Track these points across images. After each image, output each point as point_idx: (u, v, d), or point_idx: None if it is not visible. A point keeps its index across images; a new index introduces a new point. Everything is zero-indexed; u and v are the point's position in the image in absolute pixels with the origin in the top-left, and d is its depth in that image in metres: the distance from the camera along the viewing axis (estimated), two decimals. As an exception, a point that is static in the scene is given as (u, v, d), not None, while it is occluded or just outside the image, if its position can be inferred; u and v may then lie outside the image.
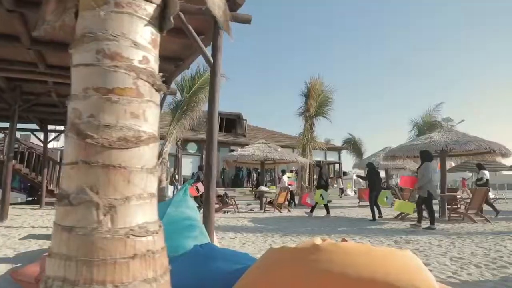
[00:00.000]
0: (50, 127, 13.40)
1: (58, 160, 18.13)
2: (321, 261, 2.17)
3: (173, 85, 10.44)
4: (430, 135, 9.90)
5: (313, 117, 17.00)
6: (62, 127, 13.67)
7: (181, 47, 6.07)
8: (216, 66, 4.44)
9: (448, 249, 5.29)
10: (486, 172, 11.46)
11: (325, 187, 11.26)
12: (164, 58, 6.74)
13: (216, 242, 4.76)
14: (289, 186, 13.94)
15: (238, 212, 12.26)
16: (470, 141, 8.97)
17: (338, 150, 29.62)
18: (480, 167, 11.65)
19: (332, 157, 29.12)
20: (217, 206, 12.66)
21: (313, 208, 11.31)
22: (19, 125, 13.20)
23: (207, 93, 15.52)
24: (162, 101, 7.72)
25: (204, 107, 15.90)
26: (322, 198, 10.89)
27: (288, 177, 14.57)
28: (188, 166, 26.12)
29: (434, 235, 6.72)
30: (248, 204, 15.24)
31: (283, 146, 24.67)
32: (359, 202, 15.54)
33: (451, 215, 9.49)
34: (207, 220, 4.17)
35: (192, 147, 26.31)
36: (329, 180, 13.07)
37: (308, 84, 17.34)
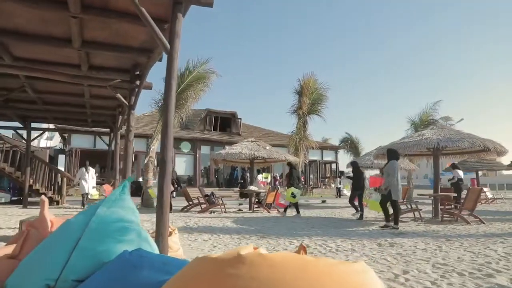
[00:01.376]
0: (34, 125, 12.99)
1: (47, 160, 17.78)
2: (242, 276, 1.75)
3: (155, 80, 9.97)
4: (422, 132, 9.46)
5: (306, 115, 16.58)
6: (45, 125, 13.26)
7: (149, 37, 5.65)
8: (174, 53, 4.02)
9: (433, 253, 4.87)
10: (460, 172, 12.06)
11: (297, 186, 11.11)
12: (135, 50, 6.39)
13: (173, 247, 4.35)
14: (262, 186, 13.60)
15: (225, 212, 11.84)
16: (463, 138, 8.53)
17: (335, 149, 29.20)
18: (454, 166, 12.12)
19: (329, 156, 28.71)
20: (204, 206, 12.31)
21: (286, 208, 11.30)
22: (2, 123, 12.92)
23: (196, 90, 15.17)
24: (136, 97, 7.31)
25: (193, 104, 15.50)
26: (294, 197, 10.69)
27: (265, 178, 14.27)
28: (181, 165, 25.75)
29: (422, 237, 6.30)
30: (240, 204, 14.82)
31: (278, 145, 24.34)
32: (353, 202, 15.10)
33: (444, 215, 9.07)
34: (160, 223, 3.76)
35: (185, 146, 25.93)
36: (301, 178, 12.98)
37: (301, 81, 16.91)
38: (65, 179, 13.98)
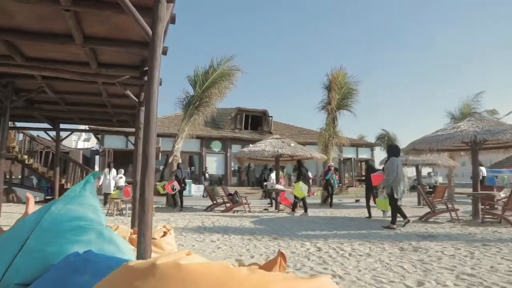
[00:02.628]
0: (64, 126, 13.33)
1: (81, 160, 18.36)
2: None
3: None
4: (458, 124, 8.56)
5: (336, 111, 15.85)
6: (73, 126, 13.57)
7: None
8: (156, 39, 3.70)
9: (462, 261, 4.22)
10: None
11: (304, 181, 10.79)
12: (137, 44, 6.18)
13: (166, 248, 4.05)
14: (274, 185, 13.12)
15: (249, 211, 11.49)
16: (506, 130, 7.59)
17: (370, 146, 27.99)
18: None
19: (364, 153, 27.56)
20: (228, 205, 12.04)
21: (294, 206, 10.98)
22: (35, 125, 13.38)
23: (220, 87, 14.95)
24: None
25: (217, 102, 15.27)
26: (302, 191, 10.40)
27: (281, 176, 13.78)
28: (212, 164, 25.74)
29: (453, 241, 5.59)
30: (268, 204, 14.43)
31: (311, 143, 23.72)
32: (385, 202, 14.22)
33: (485, 216, 8.16)
34: (141, 222, 3.45)
35: (216, 145, 25.90)
36: (309, 174, 12.64)
37: (330, 76, 16.20)
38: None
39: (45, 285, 2.18)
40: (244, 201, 11.94)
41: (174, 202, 12.81)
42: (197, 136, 25.20)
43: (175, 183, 11.99)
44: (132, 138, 14.95)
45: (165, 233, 4.33)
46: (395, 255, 4.56)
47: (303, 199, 10.82)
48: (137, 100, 7.17)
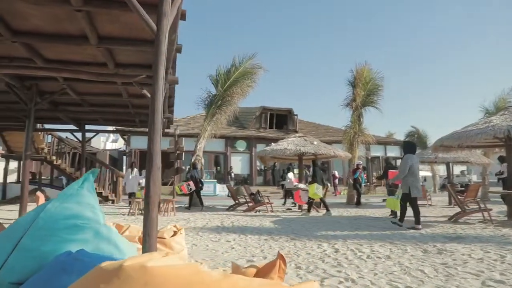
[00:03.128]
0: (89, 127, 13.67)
1: (108, 161, 18.80)
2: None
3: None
4: (490, 119, 8.02)
5: (361, 108, 15.39)
6: (98, 127, 13.89)
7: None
8: (161, 35, 3.62)
9: (491, 265, 3.89)
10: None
11: (320, 182, 10.55)
12: (150, 42, 6.16)
13: (176, 248, 3.96)
14: (297, 184, 12.82)
15: (271, 211, 11.33)
16: (544, 124, 7.03)
17: (399, 144, 27.09)
18: (502, 160, 10.73)
19: (392, 152, 26.72)
20: (250, 205, 11.93)
21: (310, 206, 10.71)
22: (62, 126, 13.80)
23: (242, 86, 14.85)
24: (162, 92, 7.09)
25: (240, 101, 15.19)
26: (317, 193, 10.20)
27: (297, 174, 13.50)
28: (237, 164, 25.75)
29: (483, 244, 5.21)
30: (292, 204, 14.21)
31: (337, 142, 23.23)
32: (414, 201, 13.65)
33: (522, 217, 7.62)
34: (147, 222, 3.37)
35: (241, 145, 25.90)
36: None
37: (354, 71, 15.75)
38: (120, 179, 14.54)
39: (35, 285, 2.12)
40: (266, 200, 11.80)
41: (190, 203, 12.90)
42: (222, 136, 25.36)
43: (191, 183, 12.06)
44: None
45: (175, 233, 4.25)
46: (416, 258, 4.28)
47: (322, 200, 10.64)
48: (154, 99, 7.15)
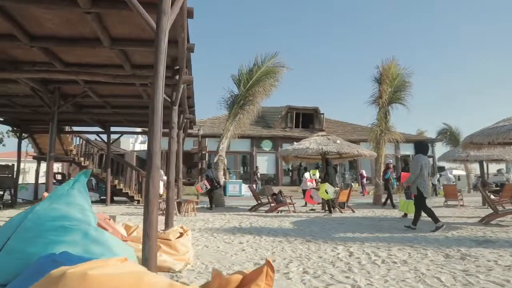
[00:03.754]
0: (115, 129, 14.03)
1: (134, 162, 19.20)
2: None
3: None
4: (524, 114, 7.48)
5: (387, 105, 14.86)
6: (123, 128, 14.20)
7: (171, 26, 5.31)
8: (160, 32, 3.56)
9: (518, 273, 3.55)
10: None
11: (331, 183, 10.41)
12: (168, 42, 6.15)
13: (181, 250, 3.89)
14: (310, 184, 12.51)
15: (294, 212, 11.13)
16: None
17: (430, 142, 26.04)
18: None
19: (423, 150, 25.69)
20: (273, 205, 11.77)
21: (329, 206, 10.55)
22: (88, 128, 14.22)
23: (265, 85, 14.74)
24: (178, 93, 7.10)
25: (263, 100, 15.08)
26: (327, 193, 9.96)
27: (313, 175, 13.12)
28: (263, 164, 25.62)
29: (513, 249, 4.82)
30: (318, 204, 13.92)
31: (365, 141, 22.59)
32: (445, 202, 13.02)
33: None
34: (146, 223, 3.31)
35: (266, 145, 25.75)
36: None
37: (380, 67, 15.24)
38: (145, 179, 14.76)
39: (15, 287, 2.09)
40: (289, 201, 11.61)
41: (210, 203, 12.96)
42: (247, 136, 25.37)
43: (206, 182, 12.10)
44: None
45: (181, 234, 4.18)
46: (436, 264, 3.99)
47: (331, 200, 10.48)
48: (169, 99, 7.17)
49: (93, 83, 8.32)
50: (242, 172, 26.17)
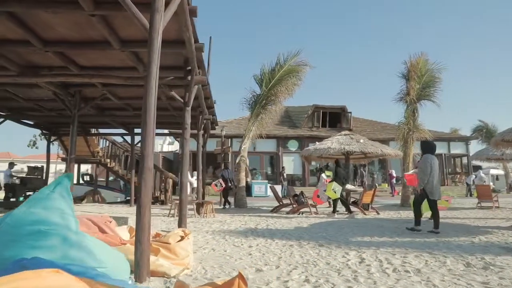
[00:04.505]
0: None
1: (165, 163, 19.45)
2: None
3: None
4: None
5: (416, 102, 14.21)
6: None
7: (178, 26, 5.24)
8: (153, 32, 3.48)
9: (545, 286, 3.17)
10: None
11: (340, 183, 10.12)
12: (172, 43, 6.10)
13: (180, 254, 3.78)
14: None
15: (316, 213, 10.85)
16: None
17: (465, 140, 24.77)
18: None
19: (457, 148, 24.53)
20: (294, 206, 11.53)
21: (335, 206, 10.41)
22: (114, 130, 14.54)
23: (287, 84, 14.48)
24: (190, 93, 7.04)
25: (285, 99, 14.82)
26: (335, 192, 9.77)
27: (327, 176, 12.72)
28: (290, 164, 25.33)
29: (546, 258, 4.36)
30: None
31: (394, 139, 21.84)
32: (479, 203, 12.27)
33: None
34: (138, 226, 3.24)
35: (292, 145, 25.45)
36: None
37: (408, 63, 14.60)
38: (170, 180, 14.94)
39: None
40: (310, 202, 11.33)
41: (228, 202, 13.20)
42: (273, 136, 25.19)
43: (221, 181, 12.30)
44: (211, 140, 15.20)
45: (182, 238, 4.08)
46: (453, 274, 3.65)
47: (334, 200, 10.37)
48: (182, 100, 7.13)
49: (111, 86, 8.45)
50: (270, 172, 25.98)
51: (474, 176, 20.86)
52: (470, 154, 23.58)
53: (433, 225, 6.73)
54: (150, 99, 3.44)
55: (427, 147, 7.15)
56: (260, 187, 21.98)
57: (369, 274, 3.66)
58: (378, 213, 10.74)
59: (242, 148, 13.89)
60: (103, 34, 5.59)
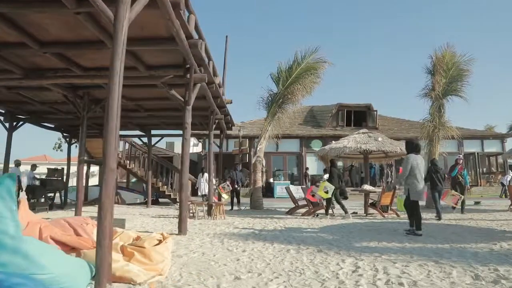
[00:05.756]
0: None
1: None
2: None
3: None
4: None
5: (442, 98, 13.39)
6: (165, 131, 14.44)
7: (168, 22, 5.05)
8: (117, 23, 3.29)
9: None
10: None
11: (335, 184, 9.95)
12: (166, 40, 5.93)
13: (155, 259, 3.57)
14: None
15: (333, 215, 10.41)
16: None
17: (500, 138, 23.24)
18: None
19: (492, 147, 23.05)
20: (309, 208, 11.13)
21: (327, 207, 10.14)
22: (131, 132, 14.70)
23: (305, 82, 14.07)
24: (190, 92, 6.86)
25: (303, 98, 14.39)
26: (326, 192, 9.60)
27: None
28: (313, 164, 24.76)
29: None
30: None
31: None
32: (511, 205, 11.34)
33: None
34: (99, 230, 3.04)
35: (316, 144, 24.85)
36: (342, 176, 11.22)
37: (433, 57, 13.79)
38: (190, 181, 14.91)
39: None
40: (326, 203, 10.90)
41: (238, 203, 13.18)
42: (296, 136, 24.75)
43: (228, 183, 12.28)
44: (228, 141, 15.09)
45: (160, 242, 3.87)
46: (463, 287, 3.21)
47: (327, 201, 10.12)
48: (182, 99, 6.97)
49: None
50: (295, 173, 25.49)
51: (510, 175, 19.45)
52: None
53: (414, 226, 6.55)
54: (114, 96, 3.26)
55: (410, 146, 7.02)
56: (282, 188, 21.55)
57: (357, 286, 3.29)
58: (398, 215, 10.14)
59: (258, 148, 13.60)
60: (94, 33, 5.50)
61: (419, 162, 6.73)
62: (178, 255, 4.68)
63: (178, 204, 12.76)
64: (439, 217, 8.97)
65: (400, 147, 10.47)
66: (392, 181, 21.27)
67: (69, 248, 3.63)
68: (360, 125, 25.80)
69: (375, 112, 25.66)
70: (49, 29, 5.56)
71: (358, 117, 26.04)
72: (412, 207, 6.62)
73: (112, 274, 3.30)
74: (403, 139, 24.20)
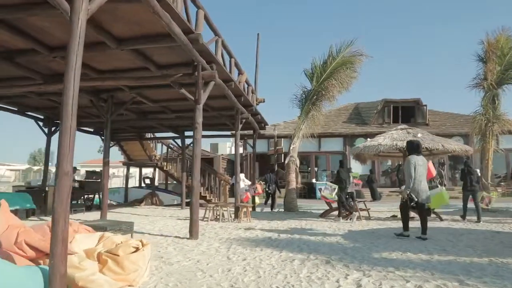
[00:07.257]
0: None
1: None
2: None
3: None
4: None
5: (496, 88, 11.95)
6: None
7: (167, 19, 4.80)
8: (74, 15, 3.07)
9: None
10: None
11: (341, 186, 9.59)
12: (168, 37, 5.70)
13: (127, 268, 3.30)
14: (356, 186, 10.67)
15: (369, 219, 9.68)
16: None
17: None
18: None
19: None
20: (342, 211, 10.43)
21: (339, 209, 9.67)
22: (166, 134, 14.85)
23: (341, 78, 13.32)
24: (199, 90, 6.59)
25: (340, 94, 13.60)
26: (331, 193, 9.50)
27: (354, 176, 11.19)
28: (357, 163, 23.53)
29: None
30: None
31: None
32: None
33: None
34: (53, 237, 2.82)
35: (360, 143, 23.65)
36: (349, 177, 10.35)
37: (485, 43, 12.37)
38: (222, 181, 14.79)
39: None
40: (360, 206, 10.15)
41: (266, 202, 13.20)
42: (339, 134, 23.77)
43: (258, 186, 12.13)
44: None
45: (136, 249, 3.59)
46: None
47: (337, 202, 9.77)
48: (192, 98, 6.71)
49: (137, 88, 8.40)
50: (336, 173, 24.55)
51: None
52: None
53: (421, 230, 6.34)
54: (68, 93, 3.01)
55: (410, 147, 6.76)
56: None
57: (342, 310, 2.76)
58: (441, 219, 9.13)
59: (291, 148, 13.07)
60: (94, 34, 5.40)
61: (420, 163, 6.47)
62: (169, 263, 4.40)
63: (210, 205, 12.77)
64: (463, 217, 9.18)
65: (443, 143, 9.41)
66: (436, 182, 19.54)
67: (43, 254, 3.50)
68: (408, 121, 24.15)
69: (425, 107, 23.89)
70: (53, 33, 5.57)
71: (406, 112, 24.39)
72: (404, 206, 6.58)
73: (75, 283, 3.10)
74: (457, 136, 22.43)
